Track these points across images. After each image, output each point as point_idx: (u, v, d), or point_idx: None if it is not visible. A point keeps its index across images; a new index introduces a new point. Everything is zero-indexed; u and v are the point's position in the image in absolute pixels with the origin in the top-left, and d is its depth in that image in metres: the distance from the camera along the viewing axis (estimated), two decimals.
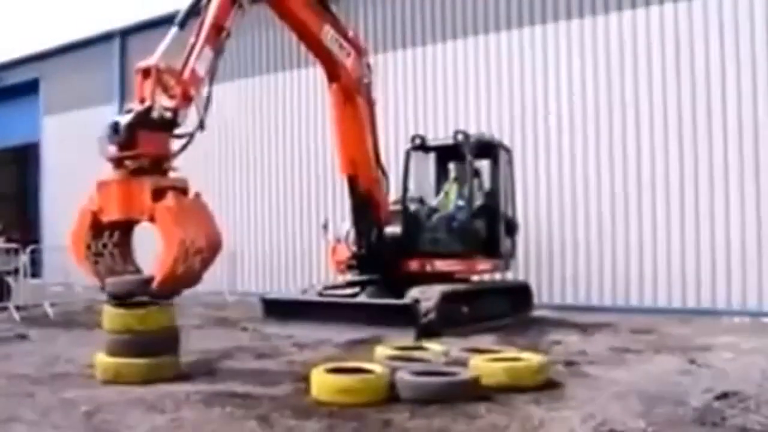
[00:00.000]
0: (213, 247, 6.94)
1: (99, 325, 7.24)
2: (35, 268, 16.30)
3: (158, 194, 6.73)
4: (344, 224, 11.16)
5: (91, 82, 20.64)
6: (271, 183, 17.29)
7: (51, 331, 10.59)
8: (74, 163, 18.02)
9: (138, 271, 7.23)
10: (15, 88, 23.73)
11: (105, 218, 6.92)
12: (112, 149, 6.85)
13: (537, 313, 11.82)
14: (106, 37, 20.63)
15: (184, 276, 6.73)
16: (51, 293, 14.58)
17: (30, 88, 23.05)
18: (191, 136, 7.27)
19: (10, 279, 13.70)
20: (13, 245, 14.54)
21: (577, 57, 13.13)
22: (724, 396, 5.68)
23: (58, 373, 7.21)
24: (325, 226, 11.65)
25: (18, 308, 12.57)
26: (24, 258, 13.65)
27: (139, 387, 6.32)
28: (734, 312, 11.40)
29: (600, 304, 12.59)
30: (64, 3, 38.43)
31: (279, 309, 10.65)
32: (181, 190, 6.99)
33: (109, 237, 7.15)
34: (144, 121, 6.88)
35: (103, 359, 6.80)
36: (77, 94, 21.09)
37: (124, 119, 6.88)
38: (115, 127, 6.85)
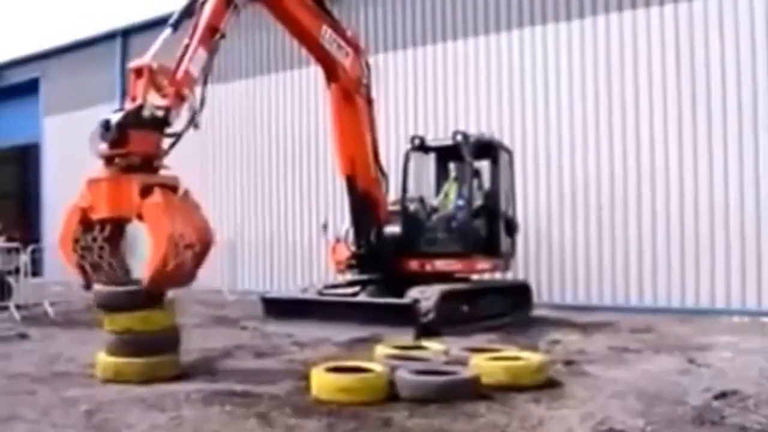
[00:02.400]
0: (204, 242, 6.83)
1: (99, 324, 7.25)
2: (36, 267, 16.32)
3: (146, 191, 6.70)
4: (344, 224, 11.18)
5: (93, 82, 20.61)
6: (271, 182, 17.29)
7: (51, 330, 10.59)
8: (74, 163, 17.97)
9: (128, 272, 7.13)
10: (15, 87, 23.71)
11: (95, 216, 6.87)
12: (103, 147, 6.85)
13: (537, 312, 11.82)
14: (107, 37, 20.63)
15: (175, 272, 6.60)
16: (51, 292, 14.56)
17: (31, 87, 23.02)
18: (180, 135, 7.24)
19: (10, 278, 13.71)
20: (14, 244, 14.57)
21: (577, 57, 13.13)
22: (723, 395, 5.69)
23: (58, 372, 7.22)
24: (325, 226, 11.64)
25: (18, 307, 12.58)
26: (24, 257, 13.66)
27: (139, 386, 6.33)
28: (733, 311, 11.41)
29: (600, 304, 12.60)
30: (65, 2, 38.44)
31: (279, 308, 10.65)
32: (171, 187, 6.94)
33: (100, 232, 7.05)
34: (135, 119, 6.87)
35: (103, 358, 6.82)
36: (78, 94, 21.05)
37: (115, 117, 6.87)
38: (106, 124, 6.84)
